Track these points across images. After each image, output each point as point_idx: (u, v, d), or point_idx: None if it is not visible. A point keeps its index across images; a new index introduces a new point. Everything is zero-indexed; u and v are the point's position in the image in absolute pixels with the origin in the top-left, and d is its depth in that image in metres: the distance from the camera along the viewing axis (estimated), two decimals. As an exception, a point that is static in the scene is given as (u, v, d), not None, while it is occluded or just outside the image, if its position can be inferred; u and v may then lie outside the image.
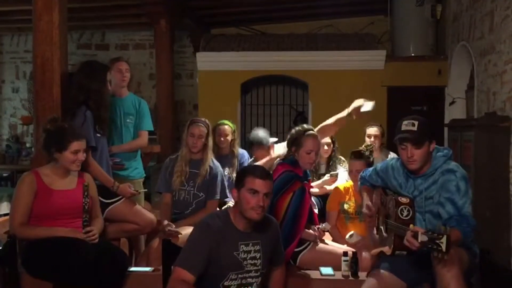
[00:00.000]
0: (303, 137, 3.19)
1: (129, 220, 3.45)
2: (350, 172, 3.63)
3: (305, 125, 3.36)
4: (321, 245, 3.23)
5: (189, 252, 2.44)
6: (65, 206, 2.92)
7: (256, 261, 2.52)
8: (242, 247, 2.50)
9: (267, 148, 4.15)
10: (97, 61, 3.71)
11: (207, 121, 3.73)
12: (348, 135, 4.61)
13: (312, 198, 3.71)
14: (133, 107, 3.94)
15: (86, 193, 3.01)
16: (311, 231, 3.20)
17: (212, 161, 3.69)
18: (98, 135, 3.40)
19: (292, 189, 3.11)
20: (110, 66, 3.78)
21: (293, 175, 3.15)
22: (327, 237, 3.46)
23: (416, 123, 2.63)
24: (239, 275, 2.49)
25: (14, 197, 2.92)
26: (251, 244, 2.52)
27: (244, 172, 2.55)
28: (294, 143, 3.23)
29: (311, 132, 3.25)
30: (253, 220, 2.48)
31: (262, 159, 4.08)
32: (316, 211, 3.67)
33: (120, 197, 3.44)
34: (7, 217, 4.16)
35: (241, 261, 2.49)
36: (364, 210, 2.92)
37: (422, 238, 2.26)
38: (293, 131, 3.33)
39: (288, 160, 3.25)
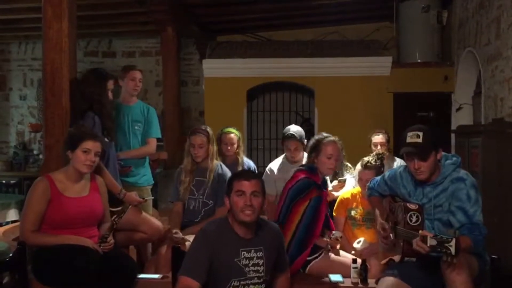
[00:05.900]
0: (323, 143, 3.24)
1: (136, 228, 3.45)
2: (360, 180, 3.61)
3: (324, 133, 3.38)
4: (333, 256, 3.20)
5: (192, 260, 2.46)
6: (80, 215, 2.89)
7: (258, 267, 2.52)
8: (244, 254, 2.50)
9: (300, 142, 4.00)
10: (99, 70, 3.71)
11: (208, 128, 3.70)
12: (354, 142, 4.61)
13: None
14: (142, 114, 3.95)
15: (122, 215, 3.03)
16: (323, 238, 3.20)
17: (221, 167, 3.66)
18: (106, 140, 3.41)
19: (309, 196, 3.11)
20: (123, 74, 3.80)
21: (311, 182, 3.15)
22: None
23: (421, 134, 2.60)
24: (242, 282, 2.49)
25: (26, 203, 2.87)
26: (253, 250, 2.52)
27: (231, 179, 2.62)
28: (315, 150, 3.25)
29: (331, 138, 3.30)
30: (246, 222, 2.47)
31: (296, 151, 3.97)
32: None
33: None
34: (15, 224, 4.19)
35: (243, 267, 2.49)
36: (379, 229, 2.89)
37: (431, 242, 2.26)
38: (312, 139, 3.37)
39: (306, 167, 3.27)
